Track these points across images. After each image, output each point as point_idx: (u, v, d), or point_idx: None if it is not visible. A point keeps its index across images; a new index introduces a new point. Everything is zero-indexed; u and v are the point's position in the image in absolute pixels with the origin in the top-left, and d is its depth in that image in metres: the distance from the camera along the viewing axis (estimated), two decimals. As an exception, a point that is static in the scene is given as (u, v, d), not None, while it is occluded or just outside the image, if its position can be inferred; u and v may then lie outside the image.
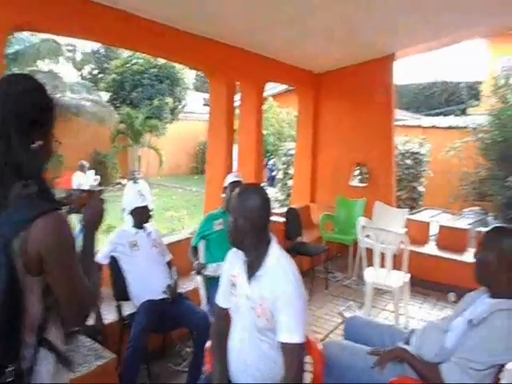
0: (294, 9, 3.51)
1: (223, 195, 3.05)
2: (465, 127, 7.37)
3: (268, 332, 1.53)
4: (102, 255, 2.57)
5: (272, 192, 9.43)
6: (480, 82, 7.99)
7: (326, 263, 4.77)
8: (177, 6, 3.24)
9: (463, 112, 8.46)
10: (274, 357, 1.54)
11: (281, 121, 13.08)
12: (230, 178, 3.02)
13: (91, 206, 1.22)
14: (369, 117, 5.36)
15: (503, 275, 1.61)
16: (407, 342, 1.89)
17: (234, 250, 1.71)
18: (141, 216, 2.64)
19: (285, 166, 8.13)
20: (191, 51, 3.89)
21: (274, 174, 11.89)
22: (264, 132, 12.87)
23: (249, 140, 4.77)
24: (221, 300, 1.77)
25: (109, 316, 2.64)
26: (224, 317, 1.74)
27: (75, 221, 1.20)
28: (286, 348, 1.46)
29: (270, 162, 13.17)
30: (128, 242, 2.61)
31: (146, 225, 2.75)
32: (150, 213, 2.69)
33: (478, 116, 7.71)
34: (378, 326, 2.15)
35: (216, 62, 4.16)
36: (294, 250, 4.33)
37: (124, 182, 15.63)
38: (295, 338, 1.45)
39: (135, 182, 2.67)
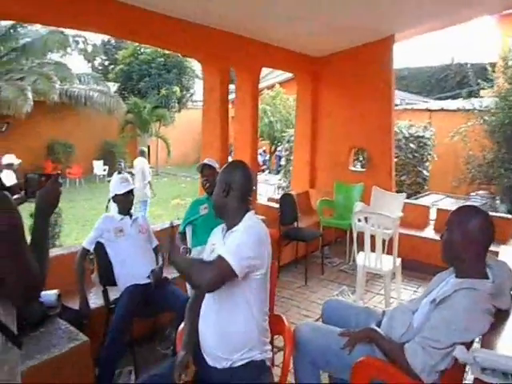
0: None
1: None
2: (472, 110, 7.17)
3: (236, 284, 1.57)
4: (88, 241, 2.64)
5: (276, 178, 9.43)
6: (493, 64, 7.71)
7: (323, 248, 4.77)
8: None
9: (470, 94, 8.22)
10: (237, 307, 1.60)
11: (288, 107, 13.01)
12: (203, 162, 3.07)
13: (46, 190, 1.24)
14: (367, 101, 5.27)
15: (468, 255, 1.59)
16: (379, 323, 1.90)
17: (215, 229, 1.84)
18: (123, 203, 2.70)
19: (287, 152, 8.09)
20: (183, 38, 3.88)
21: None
22: (271, 119, 12.92)
23: (244, 127, 4.76)
24: None
25: (96, 301, 2.72)
26: None
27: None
28: (216, 258, 1.53)
29: (279, 149, 13.13)
30: (113, 227, 2.67)
31: (132, 211, 2.82)
32: (133, 200, 2.74)
33: (487, 98, 7.50)
34: (354, 308, 2.15)
35: (208, 48, 4.14)
36: (289, 235, 4.35)
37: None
38: (222, 253, 1.52)
39: (119, 173, 2.72)
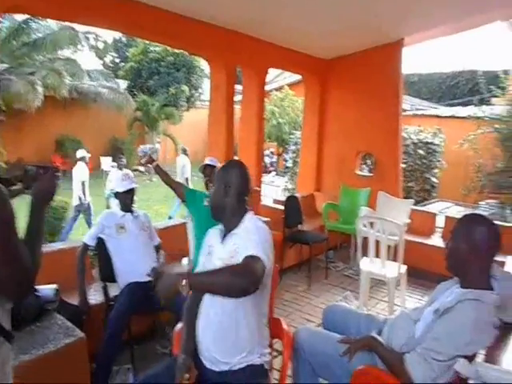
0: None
1: None
2: (483, 117, 7.07)
3: None
4: (89, 236, 2.63)
5: (283, 180, 9.39)
6: (505, 71, 7.61)
7: (328, 252, 4.73)
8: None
9: (482, 102, 8.11)
10: (237, 311, 1.57)
11: (296, 109, 12.95)
12: (205, 162, 3.04)
13: (42, 182, 1.23)
14: (375, 105, 5.22)
15: (472, 265, 1.54)
16: (381, 331, 1.86)
17: (211, 229, 1.82)
18: (124, 200, 2.69)
19: (294, 154, 8.05)
20: (190, 36, 3.86)
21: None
22: (280, 120, 12.88)
23: (250, 127, 4.73)
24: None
25: (96, 297, 2.70)
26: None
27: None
28: (244, 259, 1.43)
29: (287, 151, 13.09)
30: (115, 224, 2.66)
31: (134, 208, 2.80)
32: (134, 198, 2.74)
33: (499, 106, 7.40)
34: (355, 314, 2.11)
35: (215, 47, 4.12)
36: (293, 238, 4.31)
37: (141, 168, 15.90)
38: (252, 252, 1.43)
39: (120, 169, 2.73)
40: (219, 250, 1.67)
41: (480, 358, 1.52)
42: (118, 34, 22.06)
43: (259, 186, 4.85)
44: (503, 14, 5.16)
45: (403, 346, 1.66)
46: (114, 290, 2.65)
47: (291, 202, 4.50)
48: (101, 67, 19.14)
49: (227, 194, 1.67)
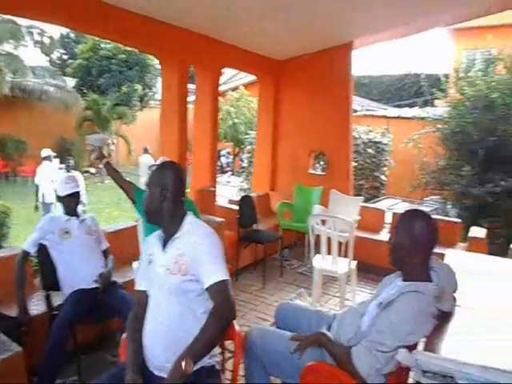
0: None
1: None
2: (426, 118, 7.48)
3: (180, 292, 1.55)
4: (29, 243, 2.48)
5: (238, 180, 9.40)
6: (446, 75, 8.11)
7: (283, 251, 4.78)
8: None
9: (426, 103, 8.59)
10: (185, 315, 1.56)
11: (252, 110, 13.01)
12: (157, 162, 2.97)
13: None
14: (327, 105, 5.36)
15: (412, 258, 1.62)
16: (330, 327, 1.90)
17: (150, 237, 1.75)
18: (68, 204, 2.56)
19: (250, 154, 8.08)
20: (141, 34, 3.75)
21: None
22: (235, 120, 12.88)
23: (204, 127, 4.68)
24: (139, 283, 1.74)
25: (39, 307, 2.55)
26: (142, 302, 1.70)
27: None
28: (213, 289, 1.51)
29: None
30: (58, 229, 2.52)
31: (80, 212, 2.68)
32: (79, 201, 2.61)
33: (441, 107, 7.86)
34: (306, 311, 2.14)
35: (167, 45, 4.03)
36: (248, 237, 4.32)
37: (92, 170, 15.27)
38: (218, 277, 1.52)
39: (68, 171, 2.59)
40: (160, 258, 1.62)
41: (421, 347, 1.59)
42: (65, 30, 21.04)
43: (214, 187, 4.82)
44: (444, 20, 5.50)
45: (351, 340, 1.70)
46: (59, 299, 2.52)
47: (246, 201, 4.50)
48: (47, 64, 18.17)
49: (164, 198, 1.61)
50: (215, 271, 1.53)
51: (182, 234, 1.61)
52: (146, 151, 9.89)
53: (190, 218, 1.66)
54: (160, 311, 1.58)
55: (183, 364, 1.38)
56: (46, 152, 7.09)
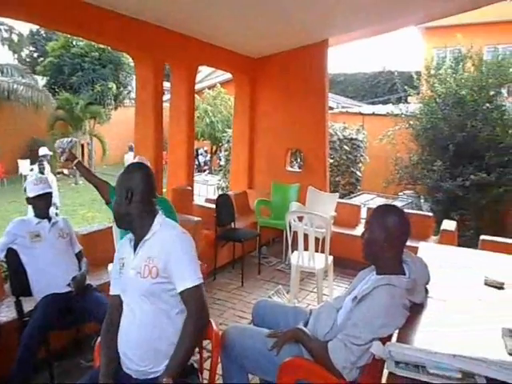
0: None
1: None
2: (400, 115, 7.65)
3: (152, 295, 1.54)
4: (-3, 248, 2.39)
5: (216, 179, 9.35)
6: (418, 73, 8.32)
7: (260, 248, 4.79)
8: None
9: (399, 100, 8.79)
10: (159, 318, 1.54)
11: (229, 108, 12.96)
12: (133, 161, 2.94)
13: None
14: (303, 103, 5.39)
15: (386, 252, 1.65)
16: (307, 323, 1.91)
17: (122, 241, 1.74)
18: (37, 206, 2.48)
19: (227, 152, 8.05)
20: (113, 31, 3.67)
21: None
22: (213, 119, 12.80)
23: (180, 125, 4.62)
24: (112, 288, 1.72)
25: (9, 314, 2.47)
26: (116, 306, 1.68)
27: None
28: (186, 294, 1.52)
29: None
30: (28, 232, 2.44)
31: (52, 215, 2.60)
32: (50, 203, 2.53)
33: (413, 104, 8.05)
34: (282, 308, 2.15)
35: (141, 43, 3.95)
36: (225, 236, 4.31)
37: (65, 171, 14.87)
38: (191, 282, 1.51)
39: (41, 173, 2.50)
40: (131, 261, 1.60)
41: (394, 339, 1.63)
42: (34, 27, 20.36)
43: (191, 186, 4.77)
44: (416, 19, 5.64)
45: (327, 335, 1.72)
46: (30, 305, 2.44)
47: (223, 200, 4.48)
48: (16, 62, 17.56)
49: (130, 201, 1.58)
50: (188, 275, 1.52)
51: (152, 235, 1.58)
52: (130, 149, 9.92)
53: (159, 219, 1.62)
54: (133, 315, 1.56)
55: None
56: (43, 151, 7.07)
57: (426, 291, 1.83)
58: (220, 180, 8.49)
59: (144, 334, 1.54)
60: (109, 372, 1.55)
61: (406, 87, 8.04)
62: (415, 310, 1.66)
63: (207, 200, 5.43)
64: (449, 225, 4.41)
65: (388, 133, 7.66)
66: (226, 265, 4.59)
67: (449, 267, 2.34)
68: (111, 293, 1.72)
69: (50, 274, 2.40)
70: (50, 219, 2.56)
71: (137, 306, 1.55)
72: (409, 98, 9.11)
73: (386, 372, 1.40)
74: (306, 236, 3.55)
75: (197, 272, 1.54)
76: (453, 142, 6.30)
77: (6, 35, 17.62)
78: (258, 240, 4.66)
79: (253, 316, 2.17)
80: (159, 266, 1.52)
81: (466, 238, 5.57)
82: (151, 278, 1.52)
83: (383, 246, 1.64)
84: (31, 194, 2.48)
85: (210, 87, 13.63)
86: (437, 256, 2.46)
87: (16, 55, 19.56)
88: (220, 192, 7.70)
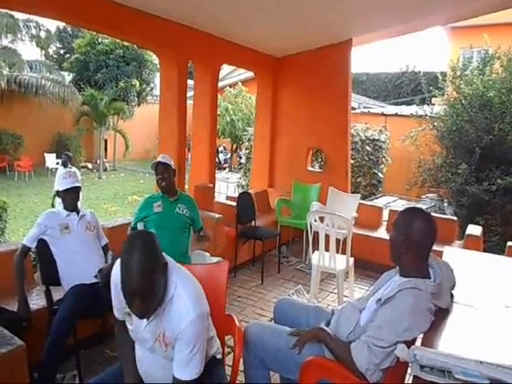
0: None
1: None
2: (424, 116, 7.51)
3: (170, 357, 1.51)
4: (28, 238, 2.48)
5: (236, 177, 9.40)
6: (443, 73, 8.14)
7: (280, 247, 4.80)
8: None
9: (423, 101, 8.62)
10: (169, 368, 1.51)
11: (250, 106, 13.00)
12: (157, 159, 3.02)
13: None
14: (326, 102, 5.37)
15: (411, 255, 1.64)
16: (329, 323, 1.92)
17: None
18: (67, 199, 2.56)
19: (248, 151, 8.08)
20: (140, 30, 3.74)
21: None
22: (233, 117, 12.87)
23: (202, 123, 4.67)
24: (117, 314, 1.67)
25: (39, 302, 2.56)
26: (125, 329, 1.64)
27: None
28: (178, 382, 1.46)
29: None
30: (58, 224, 2.52)
31: (80, 207, 2.68)
32: (78, 197, 2.62)
33: (438, 106, 7.89)
34: (304, 307, 2.17)
35: (166, 41, 4.02)
36: (246, 234, 4.34)
37: (90, 165, 15.23)
38: (187, 376, 1.45)
39: (65, 166, 2.59)
40: (142, 330, 1.52)
41: (418, 343, 1.62)
42: (62, 24, 20.84)
43: (213, 183, 4.82)
44: (443, 19, 5.52)
45: (349, 335, 1.73)
46: (58, 294, 2.52)
47: (244, 198, 4.51)
48: (43, 58, 18.05)
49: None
50: (185, 368, 1.45)
51: (166, 307, 1.48)
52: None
53: (173, 277, 1.49)
54: (158, 356, 1.55)
55: None
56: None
57: (452, 296, 1.80)
58: (240, 178, 8.53)
59: (156, 372, 1.55)
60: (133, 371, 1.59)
61: (430, 88, 7.88)
62: (441, 314, 1.65)
63: (228, 197, 5.47)
64: (474, 230, 4.32)
65: (411, 134, 7.53)
66: (246, 262, 4.62)
67: (475, 273, 2.30)
68: (117, 316, 1.67)
69: (78, 265, 2.47)
70: (78, 212, 2.64)
71: (152, 355, 1.55)
72: (433, 99, 8.93)
73: (408, 375, 1.40)
74: (326, 236, 3.55)
75: (197, 366, 1.46)
76: (479, 144, 6.14)
77: (34, 32, 18.13)
78: (278, 239, 4.67)
79: (274, 314, 2.19)
80: (172, 342, 1.48)
81: (492, 244, 5.43)
82: (164, 352, 1.51)
83: (408, 248, 1.63)
84: (61, 188, 2.56)
85: (232, 85, 13.70)
86: (462, 261, 2.43)
87: (43, 51, 20.13)
88: (240, 190, 7.74)
